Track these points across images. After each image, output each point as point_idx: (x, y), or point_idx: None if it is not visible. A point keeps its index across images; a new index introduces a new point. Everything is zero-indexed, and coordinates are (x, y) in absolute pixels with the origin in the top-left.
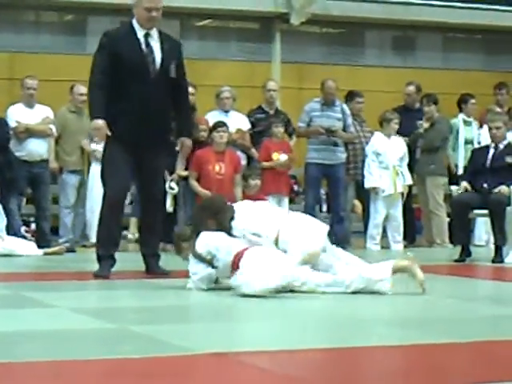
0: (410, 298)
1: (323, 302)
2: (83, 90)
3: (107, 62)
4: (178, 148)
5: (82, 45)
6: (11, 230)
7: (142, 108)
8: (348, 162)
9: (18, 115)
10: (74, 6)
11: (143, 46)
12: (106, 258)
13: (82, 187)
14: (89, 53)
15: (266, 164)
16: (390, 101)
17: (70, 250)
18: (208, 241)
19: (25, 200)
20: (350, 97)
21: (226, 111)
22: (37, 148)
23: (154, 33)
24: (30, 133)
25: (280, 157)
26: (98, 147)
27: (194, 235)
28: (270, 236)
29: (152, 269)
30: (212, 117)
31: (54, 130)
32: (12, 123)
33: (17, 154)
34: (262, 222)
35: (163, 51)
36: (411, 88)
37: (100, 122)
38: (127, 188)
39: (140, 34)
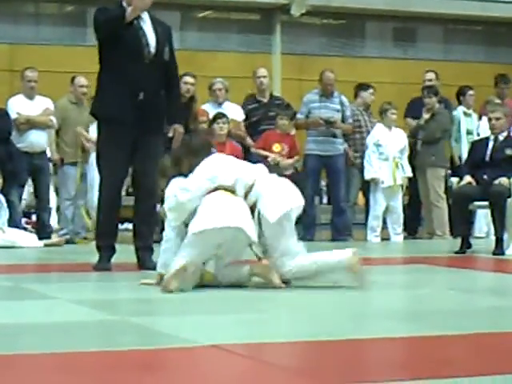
0: (410, 291)
1: (324, 296)
2: (84, 81)
3: (102, 29)
4: (170, 134)
5: (82, 36)
6: (12, 222)
7: (137, 92)
8: (356, 151)
9: (19, 107)
10: None
11: (136, 28)
12: (105, 248)
13: (81, 179)
14: (89, 44)
15: (260, 152)
16: (391, 92)
17: (70, 242)
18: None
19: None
20: (363, 88)
21: (220, 103)
22: (38, 139)
23: (146, 16)
24: (30, 124)
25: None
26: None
27: (172, 173)
28: (245, 179)
29: (144, 263)
30: (206, 109)
31: (55, 121)
32: (13, 115)
33: (18, 145)
34: (241, 166)
35: (157, 34)
36: (431, 75)
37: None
38: (124, 177)
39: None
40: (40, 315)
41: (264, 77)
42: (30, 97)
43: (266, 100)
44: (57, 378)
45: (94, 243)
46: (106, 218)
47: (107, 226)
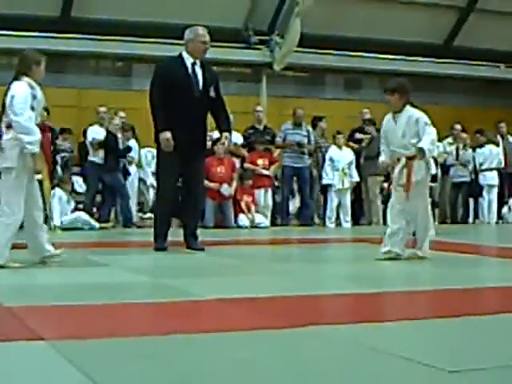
0: (356, 262)
1: (294, 266)
2: (122, 115)
3: (162, 87)
4: (222, 140)
5: (128, 83)
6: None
7: (189, 120)
8: (317, 164)
9: (95, 133)
10: (123, 56)
11: (190, 72)
12: (161, 235)
13: None
14: (133, 89)
15: (250, 166)
16: (341, 123)
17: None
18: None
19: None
20: (320, 119)
21: None
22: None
23: (198, 62)
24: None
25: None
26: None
27: None
28: None
29: (190, 245)
30: (215, 134)
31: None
32: (90, 138)
33: (93, 159)
34: None
35: (204, 77)
36: (366, 110)
37: (168, 134)
38: (175, 185)
39: (188, 62)
40: (99, 277)
41: (260, 111)
42: (101, 125)
43: (261, 128)
44: (112, 321)
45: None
46: (162, 215)
47: (163, 220)
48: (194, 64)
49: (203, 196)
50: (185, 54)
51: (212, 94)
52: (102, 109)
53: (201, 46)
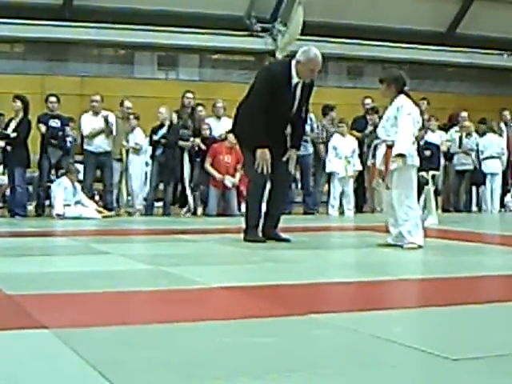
0: (358, 249)
1: (298, 252)
2: (129, 104)
3: (266, 92)
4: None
5: (130, 71)
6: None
7: (277, 135)
8: (326, 152)
9: (87, 121)
10: (125, 44)
11: (292, 91)
12: (253, 227)
13: (123, 171)
14: (135, 77)
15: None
16: (345, 111)
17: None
18: None
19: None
20: (330, 109)
21: (219, 117)
22: (101, 144)
23: (301, 83)
24: (95, 134)
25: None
26: (132, 144)
27: None
28: None
29: (275, 236)
30: (209, 121)
31: (114, 130)
32: (82, 127)
33: (88, 147)
34: None
35: (301, 98)
36: (368, 100)
37: (268, 154)
38: (266, 181)
39: (293, 81)
40: (100, 265)
41: None
42: (95, 113)
43: None
44: (115, 309)
45: (133, 216)
46: (253, 209)
47: (254, 213)
48: (297, 84)
49: (289, 190)
50: (293, 71)
51: (302, 115)
52: (96, 97)
53: (307, 73)
